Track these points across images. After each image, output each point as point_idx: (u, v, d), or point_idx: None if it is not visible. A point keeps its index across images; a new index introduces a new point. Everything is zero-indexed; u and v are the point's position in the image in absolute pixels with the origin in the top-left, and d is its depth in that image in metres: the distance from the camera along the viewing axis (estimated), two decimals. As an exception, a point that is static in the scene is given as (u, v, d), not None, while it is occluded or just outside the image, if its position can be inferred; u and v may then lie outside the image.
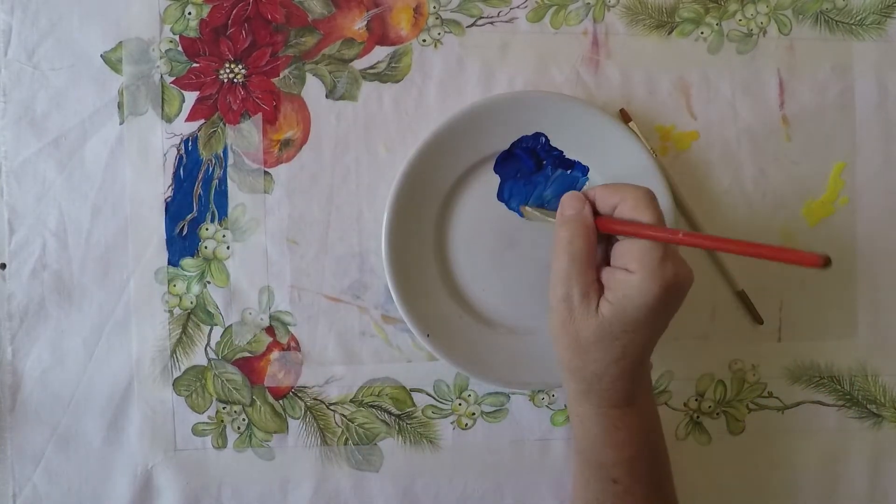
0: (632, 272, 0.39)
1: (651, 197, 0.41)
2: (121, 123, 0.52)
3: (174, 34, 0.52)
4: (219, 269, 0.52)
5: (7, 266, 0.52)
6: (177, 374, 0.52)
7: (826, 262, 0.33)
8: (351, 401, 0.53)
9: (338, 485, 0.53)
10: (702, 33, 0.54)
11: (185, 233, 0.52)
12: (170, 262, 0.52)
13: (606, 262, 0.43)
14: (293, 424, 0.53)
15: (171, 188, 0.52)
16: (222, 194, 0.52)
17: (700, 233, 0.37)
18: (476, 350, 0.51)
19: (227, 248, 0.52)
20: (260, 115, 0.52)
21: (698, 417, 0.54)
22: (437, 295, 0.52)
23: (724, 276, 0.53)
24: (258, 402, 0.53)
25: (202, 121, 0.52)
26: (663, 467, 0.46)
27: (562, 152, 0.52)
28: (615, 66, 0.54)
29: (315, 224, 0.52)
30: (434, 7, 0.53)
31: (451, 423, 0.53)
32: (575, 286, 0.41)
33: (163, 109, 0.52)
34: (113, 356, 0.52)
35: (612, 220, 0.42)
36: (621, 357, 0.41)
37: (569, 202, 0.43)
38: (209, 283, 0.52)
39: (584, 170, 0.52)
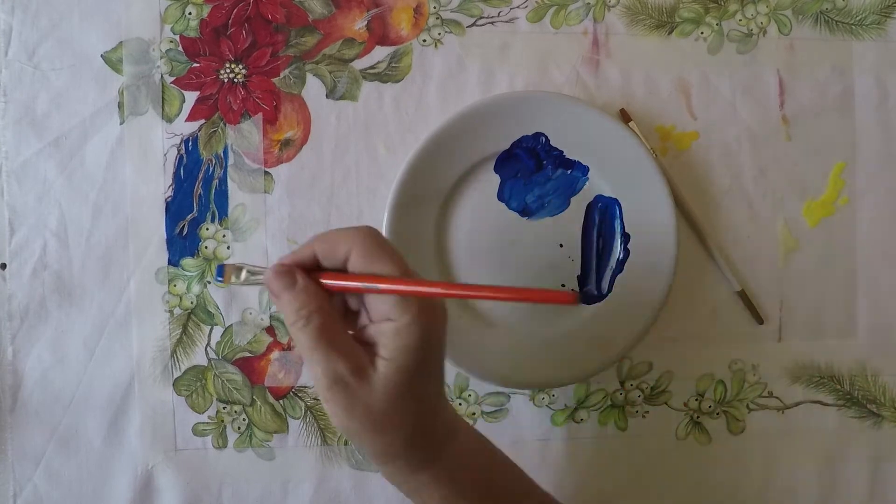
0: (395, 319, 0.36)
1: (380, 240, 0.36)
2: (121, 123, 0.52)
3: (174, 34, 0.52)
4: (219, 269, 0.52)
5: (7, 266, 0.52)
6: (177, 374, 0.52)
7: (579, 299, 0.34)
8: (351, 401, 0.53)
9: (338, 485, 0.53)
10: (702, 33, 0.54)
11: (185, 233, 0.52)
12: (170, 262, 0.52)
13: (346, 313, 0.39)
14: (293, 424, 0.53)
15: (171, 188, 0.52)
16: (222, 194, 0.52)
17: (453, 283, 0.37)
18: (476, 350, 0.51)
19: (228, 247, 0.52)
20: (260, 115, 0.52)
21: (698, 417, 0.54)
22: (437, 295, 0.52)
23: (724, 276, 0.53)
24: (258, 402, 0.53)
25: (202, 121, 0.52)
26: (517, 484, 0.43)
27: (562, 152, 0.52)
28: (615, 66, 0.54)
29: (315, 224, 0.52)
30: (434, 7, 0.53)
31: (452, 422, 0.53)
32: (340, 363, 0.35)
33: (163, 109, 0.52)
34: (113, 356, 0.52)
35: (338, 285, 0.37)
36: (423, 405, 0.38)
37: (276, 282, 0.36)
38: (210, 282, 0.52)
39: (585, 170, 0.52)
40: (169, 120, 0.52)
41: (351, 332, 0.38)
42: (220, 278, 0.41)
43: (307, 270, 0.37)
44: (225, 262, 0.51)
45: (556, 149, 0.52)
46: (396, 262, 0.36)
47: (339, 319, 0.37)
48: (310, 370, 0.37)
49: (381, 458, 0.38)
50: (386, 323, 0.36)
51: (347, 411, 0.36)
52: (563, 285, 0.53)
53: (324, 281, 0.37)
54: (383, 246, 0.36)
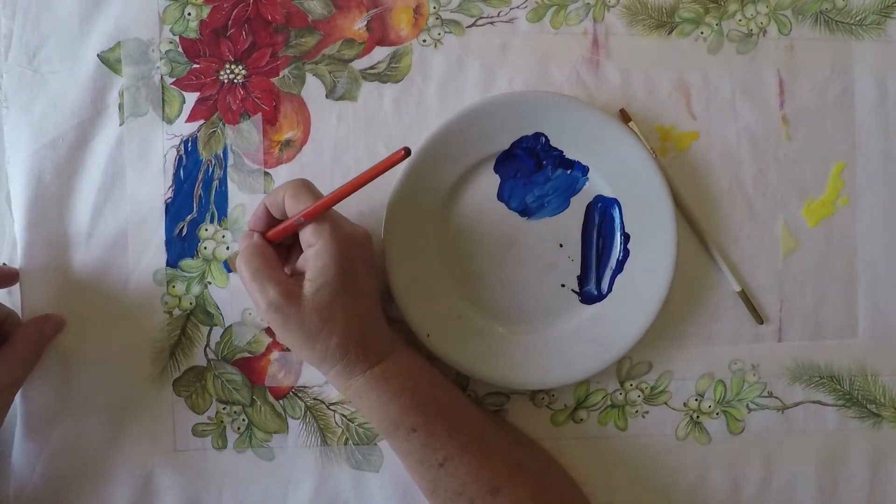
0: (313, 244, 0.44)
1: (306, 185, 0.45)
2: (121, 125, 0.52)
3: (174, 35, 0.52)
4: (219, 269, 0.52)
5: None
6: (176, 374, 0.52)
7: (408, 152, 0.41)
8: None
9: (338, 485, 0.53)
10: (702, 33, 0.54)
11: (184, 233, 0.52)
12: (168, 263, 0.52)
13: None
14: (293, 424, 0.53)
15: (171, 189, 0.52)
16: (222, 195, 0.52)
17: (330, 196, 0.44)
18: (476, 350, 0.52)
19: (227, 248, 0.52)
20: (260, 115, 0.52)
21: (698, 417, 0.54)
22: (437, 295, 0.52)
23: (724, 276, 0.53)
24: (258, 403, 0.53)
25: (202, 121, 0.52)
26: (456, 402, 0.48)
27: (562, 152, 0.52)
28: (615, 66, 0.53)
29: (315, 224, 0.52)
30: (434, 7, 0.53)
31: (452, 423, 0.53)
32: (271, 289, 0.43)
33: (163, 111, 0.52)
34: (112, 357, 0.52)
35: (275, 230, 0.46)
36: (350, 317, 0.45)
37: (240, 242, 0.47)
38: (210, 283, 0.52)
39: (584, 170, 0.52)
40: (169, 121, 0.52)
41: (289, 270, 0.47)
42: (228, 270, 0.50)
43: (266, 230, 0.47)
44: (228, 258, 0.52)
45: (555, 149, 0.52)
46: (315, 198, 0.44)
47: (276, 260, 0.45)
48: (252, 300, 0.45)
49: (321, 366, 0.46)
50: (309, 249, 0.44)
51: (284, 328, 0.44)
52: (562, 285, 0.53)
53: (267, 235, 0.46)
54: (306, 188, 0.45)
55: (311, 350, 0.45)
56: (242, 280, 0.45)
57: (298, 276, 0.45)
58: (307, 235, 0.44)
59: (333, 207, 0.45)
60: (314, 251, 0.44)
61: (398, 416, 0.46)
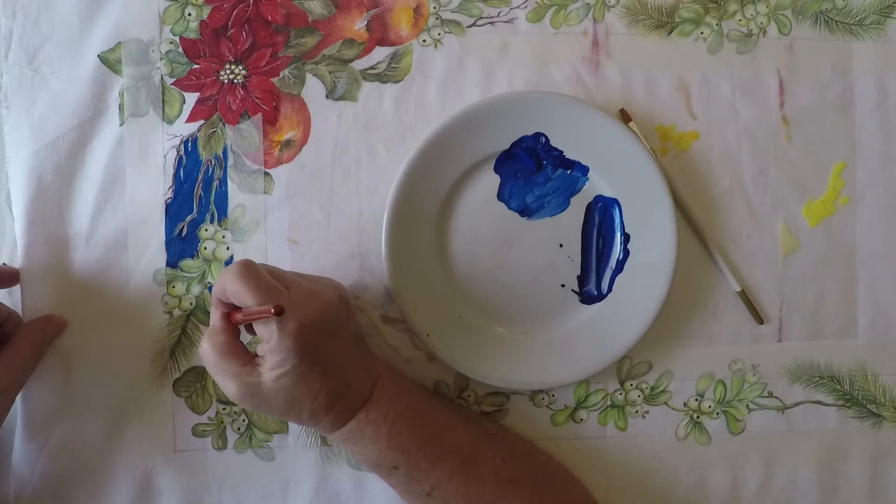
0: (267, 341, 0.42)
1: (243, 276, 0.42)
2: (121, 125, 0.52)
3: (174, 35, 0.52)
4: (219, 269, 0.52)
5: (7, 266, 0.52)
6: (176, 375, 0.52)
7: (280, 311, 0.40)
8: (351, 401, 0.53)
9: (338, 485, 0.53)
10: (701, 33, 0.54)
11: (184, 234, 0.52)
12: (169, 264, 0.52)
13: None
14: (293, 425, 0.53)
15: (171, 189, 0.52)
16: (222, 195, 0.52)
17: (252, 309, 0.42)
18: (476, 350, 0.52)
19: (227, 248, 0.52)
20: (260, 115, 0.52)
21: (698, 417, 0.54)
22: (437, 295, 0.52)
23: (724, 276, 0.53)
24: (258, 403, 0.53)
25: (202, 121, 0.52)
26: (440, 428, 0.48)
27: (562, 152, 0.52)
28: (615, 66, 0.54)
29: (315, 224, 0.52)
30: (434, 7, 0.53)
31: (452, 423, 0.53)
32: (230, 385, 0.43)
33: (164, 111, 0.52)
34: (112, 358, 0.52)
35: (234, 315, 0.44)
36: (318, 392, 0.44)
37: (211, 313, 0.46)
38: (210, 283, 0.52)
39: (584, 170, 0.52)
40: (169, 121, 0.52)
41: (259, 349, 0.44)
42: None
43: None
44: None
45: (555, 149, 0.52)
46: (253, 294, 0.41)
47: (234, 348, 0.44)
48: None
49: (304, 426, 0.48)
50: (265, 343, 0.43)
51: (256, 410, 0.47)
52: (562, 285, 0.53)
53: (232, 317, 0.45)
54: (243, 279, 0.42)
55: (287, 419, 0.46)
56: (205, 366, 0.45)
57: (261, 358, 0.43)
58: (260, 332, 0.43)
59: (295, 275, 0.44)
60: (269, 347, 0.42)
61: (378, 458, 0.46)
